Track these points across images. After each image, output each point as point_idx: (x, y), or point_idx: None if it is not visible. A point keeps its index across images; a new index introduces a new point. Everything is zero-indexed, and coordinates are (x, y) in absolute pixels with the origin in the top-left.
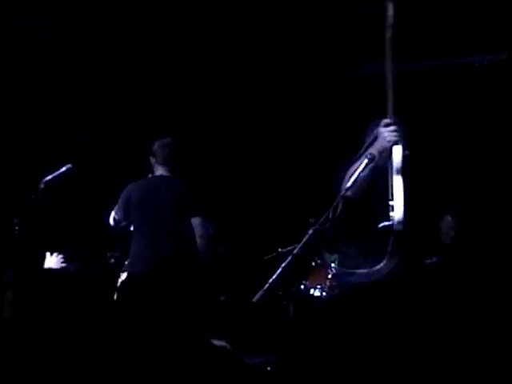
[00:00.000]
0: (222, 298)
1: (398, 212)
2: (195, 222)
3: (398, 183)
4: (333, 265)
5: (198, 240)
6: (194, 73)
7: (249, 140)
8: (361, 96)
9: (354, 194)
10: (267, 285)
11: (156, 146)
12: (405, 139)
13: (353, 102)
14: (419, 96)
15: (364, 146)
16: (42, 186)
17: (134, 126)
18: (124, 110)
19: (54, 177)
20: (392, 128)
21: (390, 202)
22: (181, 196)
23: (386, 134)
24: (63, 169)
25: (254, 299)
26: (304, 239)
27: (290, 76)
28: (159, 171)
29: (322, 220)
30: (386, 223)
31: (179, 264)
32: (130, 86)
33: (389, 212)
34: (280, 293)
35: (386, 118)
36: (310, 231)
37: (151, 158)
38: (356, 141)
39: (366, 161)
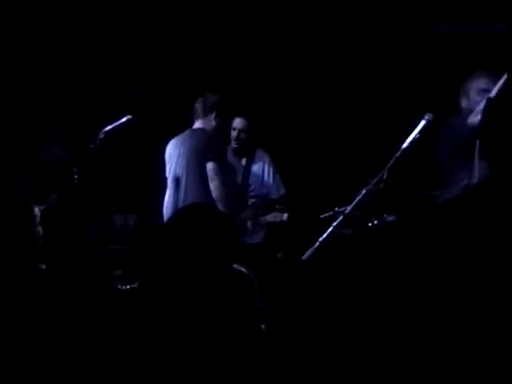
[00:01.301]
0: (279, 255)
1: None
2: (208, 167)
3: None
4: None
5: (210, 185)
6: (258, 31)
7: (312, 100)
8: (428, 57)
9: None
10: (317, 243)
11: (195, 103)
12: None
13: (420, 63)
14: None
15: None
16: (102, 136)
17: (192, 79)
18: (182, 63)
19: (114, 127)
20: None
21: None
22: (196, 146)
23: None
24: (123, 120)
25: (304, 257)
26: (357, 199)
27: (356, 35)
28: (195, 125)
29: (375, 180)
30: None
31: (190, 218)
32: (185, 40)
33: None
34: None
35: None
36: (364, 191)
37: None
38: (421, 101)
39: (423, 122)
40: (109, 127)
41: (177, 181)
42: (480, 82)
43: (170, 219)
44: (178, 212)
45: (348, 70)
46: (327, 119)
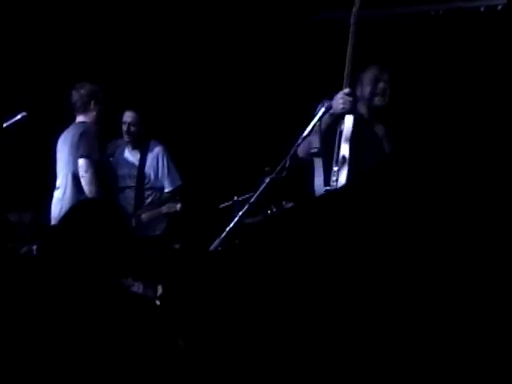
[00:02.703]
0: (176, 246)
1: (341, 178)
2: (79, 163)
3: (344, 151)
4: None
5: (81, 181)
6: (169, 17)
7: (209, 89)
8: (319, 45)
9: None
10: (224, 233)
11: (71, 97)
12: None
13: (311, 51)
14: (408, 45)
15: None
16: None
17: (83, 74)
18: (72, 57)
19: (9, 125)
20: (348, 97)
21: (334, 168)
22: (71, 141)
23: (340, 101)
24: (18, 116)
25: (211, 247)
26: (261, 188)
27: (276, 21)
28: (77, 119)
29: (278, 169)
30: (328, 188)
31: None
32: (82, 32)
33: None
34: (237, 241)
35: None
36: (267, 180)
37: None
38: (311, 89)
39: (322, 109)
40: (4, 125)
41: (60, 176)
42: (372, 72)
43: (60, 218)
44: (68, 210)
45: (244, 57)
46: (224, 109)
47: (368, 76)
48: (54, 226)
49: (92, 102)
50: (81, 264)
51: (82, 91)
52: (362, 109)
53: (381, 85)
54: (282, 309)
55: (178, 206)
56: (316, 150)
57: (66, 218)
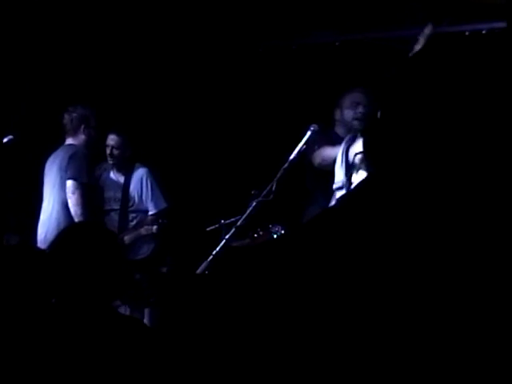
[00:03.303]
0: (164, 270)
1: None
2: (66, 184)
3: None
4: (275, 237)
5: (68, 202)
6: (132, 45)
7: (197, 112)
8: (305, 68)
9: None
10: (211, 256)
11: (62, 119)
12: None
13: (297, 74)
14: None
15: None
16: None
17: (70, 96)
18: (58, 79)
19: None
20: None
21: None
22: (60, 163)
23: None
24: (5, 140)
25: (198, 270)
26: (248, 211)
27: (231, 47)
28: (66, 142)
29: (265, 192)
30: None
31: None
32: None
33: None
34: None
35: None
36: (254, 203)
37: None
38: (298, 113)
39: (308, 133)
40: None
41: (47, 198)
42: (353, 96)
43: (51, 242)
44: (58, 233)
45: (231, 81)
46: (210, 132)
47: (348, 100)
48: (45, 249)
49: (82, 126)
50: (72, 287)
51: (74, 114)
52: (341, 132)
53: (360, 109)
54: (271, 333)
55: (155, 227)
56: (341, 183)
57: (57, 241)
